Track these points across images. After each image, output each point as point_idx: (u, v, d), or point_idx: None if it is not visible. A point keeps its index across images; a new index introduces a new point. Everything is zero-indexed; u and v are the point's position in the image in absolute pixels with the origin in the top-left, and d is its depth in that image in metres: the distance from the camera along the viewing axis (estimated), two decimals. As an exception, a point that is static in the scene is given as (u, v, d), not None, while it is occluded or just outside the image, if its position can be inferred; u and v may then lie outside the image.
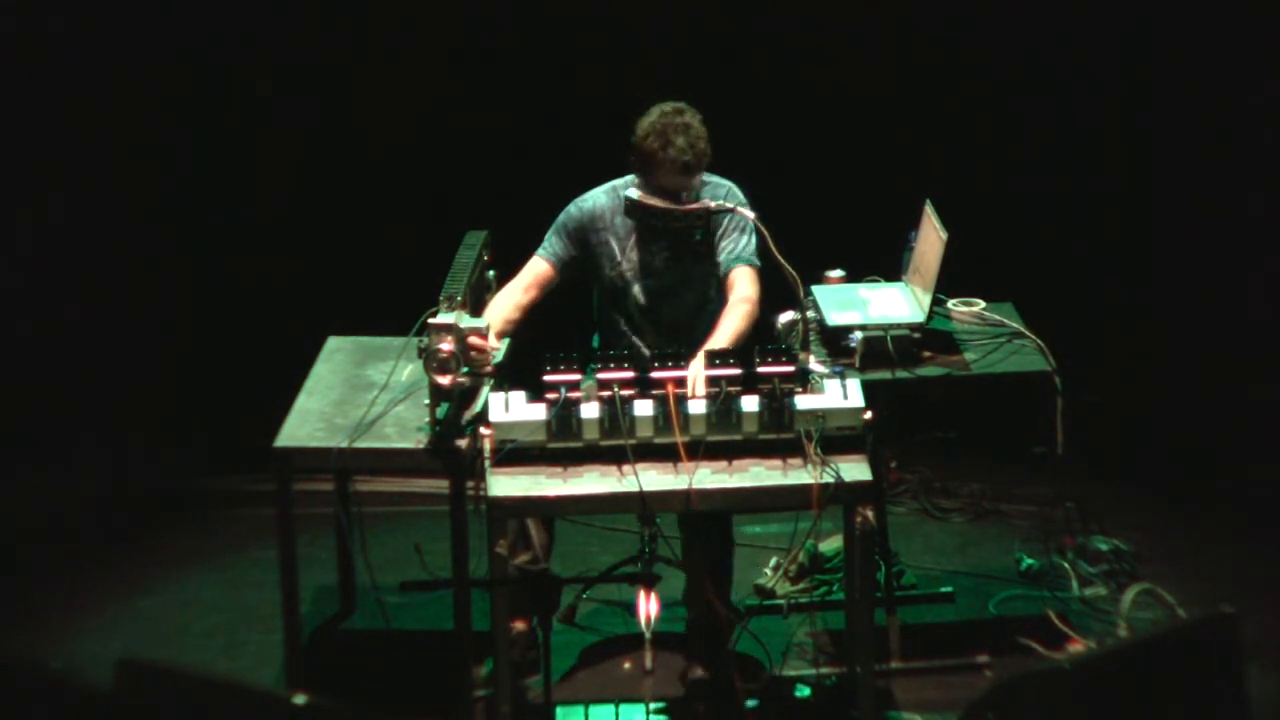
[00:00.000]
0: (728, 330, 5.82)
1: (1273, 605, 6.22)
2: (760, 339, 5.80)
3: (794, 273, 5.73)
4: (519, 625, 5.98)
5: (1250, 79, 7.50)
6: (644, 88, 6.06)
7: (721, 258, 6.01)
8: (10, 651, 6.09)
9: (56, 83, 7.58)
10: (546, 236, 6.08)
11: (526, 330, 6.06)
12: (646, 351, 5.90)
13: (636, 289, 6.05)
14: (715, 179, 6.02)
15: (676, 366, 5.48)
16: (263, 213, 7.76)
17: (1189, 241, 7.61)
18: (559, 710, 5.83)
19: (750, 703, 5.91)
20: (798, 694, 5.97)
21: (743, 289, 5.95)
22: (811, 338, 5.95)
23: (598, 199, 6.08)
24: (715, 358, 5.50)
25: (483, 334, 5.62)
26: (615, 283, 6.06)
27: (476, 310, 5.90)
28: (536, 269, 6.06)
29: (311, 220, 7.80)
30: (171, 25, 7.60)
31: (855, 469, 5.43)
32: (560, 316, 6.20)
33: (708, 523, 5.97)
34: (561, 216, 6.08)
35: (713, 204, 5.94)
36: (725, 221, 6.01)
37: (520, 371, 5.79)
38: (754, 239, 5.97)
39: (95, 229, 7.68)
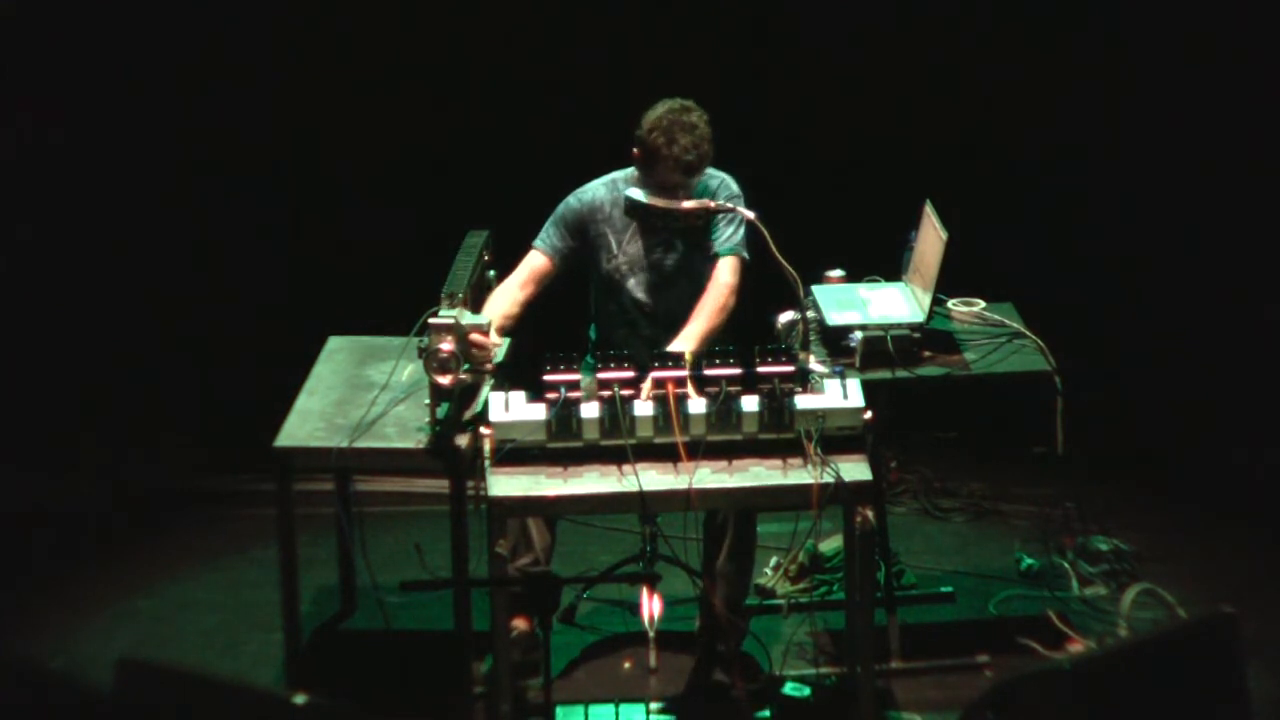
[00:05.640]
0: (696, 330, 5.85)
1: (1273, 605, 6.22)
2: (760, 339, 5.80)
3: (794, 273, 5.73)
4: (520, 625, 5.98)
5: (1250, 76, 7.50)
6: (645, 87, 6.06)
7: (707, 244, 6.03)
8: (10, 651, 6.09)
9: (56, 82, 7.58)
10: (544, 228, 6.09)
11: (527, 329, 6.06)
12: (644, 346, 5.91)
13: (633, 282, 6.06)
14: (709, 169, 6.02)
15: (677, 367, 5.48)
16: (263, 212, 7.76)
17: (1190, 241, 7.61)
18: (559, 710, 5.83)
19: (750, 703, 5.91)
20: (798, 694, 5.97)
21: (721, 276, 5.96)
22: (811, 338, 5.95)
23: (596, 191, 6.08)
24: (668, 360, 5.48)
25: (484, 331, 5.62)
26: (612, 275, 6.07)
27: (477, 310, 5.90)
28: (534, 263, 6.06)
29: (312, 220, 7.80)
30: (171, 24, 7.60)
31: (855, 469, 5.43)
32: (558, 308, 6.20)
33: (731, 524, 5.97)
34: (560, 208, 6.09)
35: (713, 204, 5.94)
36: (715, 216, 6.01)
37: (520, 371, 5.79)
38: (742, 229, 5.98)
39: (95, 229, 7.68)
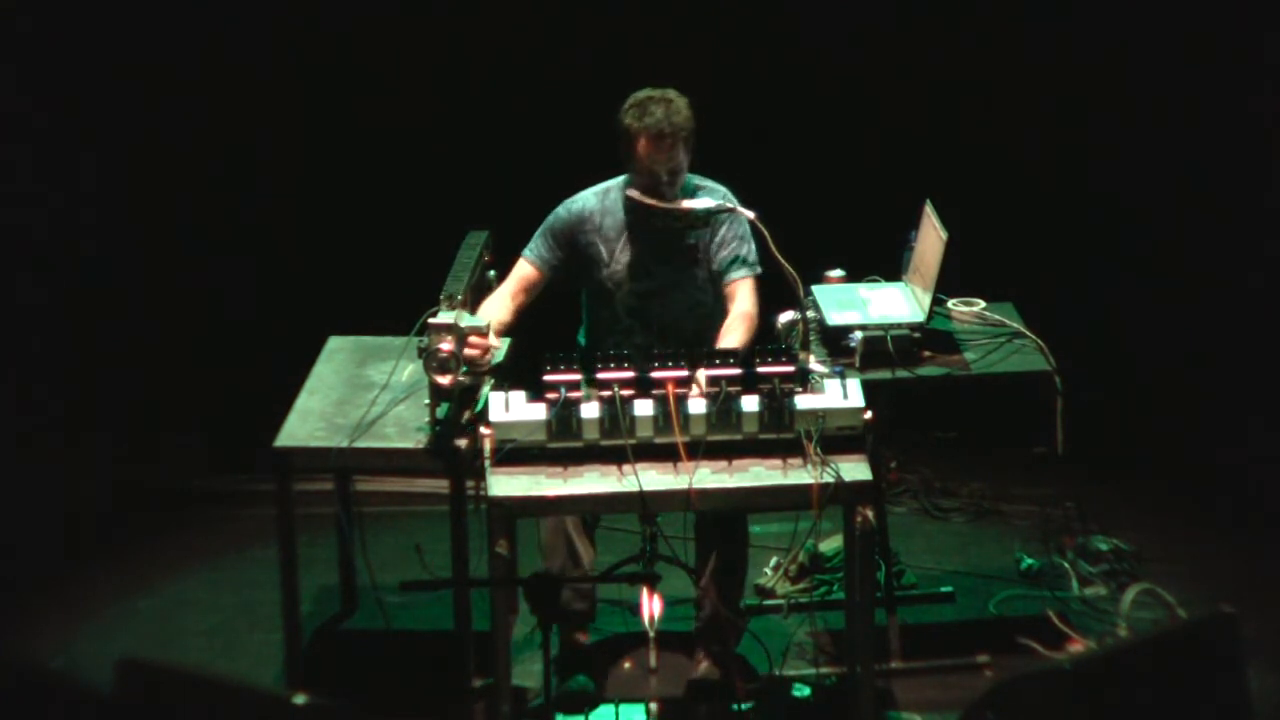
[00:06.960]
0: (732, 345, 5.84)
1: (1273, 605, 6.22)
2: (760, 339, 5.81)
3: (794, 273, 5.73)
4: (582, 639, 6.04)
5: (1249, 77, 7.50)
6: (644, 87, 6.05)
7: (721, 266, 6.00)
8: (10, 651, 6.09)
9: (58, 81, 7.58)
10: (533, 238, 6.07)
11: (520, 333, 6.06)
12: (635, 354, 5.91)
13: (625, 291, 6.04)
14: (710, 183, 6.01)
15: (676, 367, 5.48)
16: (263, 212, 7.76)
17: (1189, 240, 7.61)
18: (558, 711, 5.83)
19: (750, 703, 5.91)
20: (798, 694, 5.97)
21: (742, 303, 5.96)
22: (811, 338, 5.95)
23: (587, 201, 6.06)
24: (715, 358, 5.50)
25: (483, 333, 5.62)
26: (605, 284, 6.05)
27: (476, 311, 5.89)
28: (522, 273, 6.06)
29: (311, 220, 7.80)
30: (171, 24, 7.60)
31: (855, 469, 5.43)
32: (549, 314, 6.19)
33: (722, 525, 5.97)
34: (550, 219, 6.07)
35: (713, 203, 5.93)
36: (723, 229, 5.99)
37: (520, 371, 5.79)
38: (754, 246, 5.97)
39: (96, 229, 7.68)
